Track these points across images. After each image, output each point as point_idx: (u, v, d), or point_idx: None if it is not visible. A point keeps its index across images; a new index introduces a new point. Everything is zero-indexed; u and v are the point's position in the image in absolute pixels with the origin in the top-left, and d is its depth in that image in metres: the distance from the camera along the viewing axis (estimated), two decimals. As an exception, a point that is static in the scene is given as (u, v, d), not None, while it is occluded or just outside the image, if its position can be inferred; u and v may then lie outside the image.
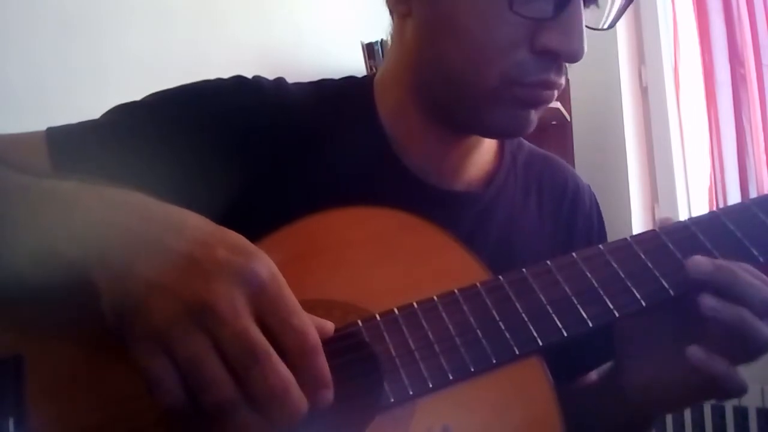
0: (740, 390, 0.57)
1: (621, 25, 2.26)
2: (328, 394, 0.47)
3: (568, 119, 2.36)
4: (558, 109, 2.18)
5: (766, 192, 2.05)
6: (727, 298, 0.55)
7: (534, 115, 0.67)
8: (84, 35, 1.84)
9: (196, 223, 0.49)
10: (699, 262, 0.57)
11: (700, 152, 2.27)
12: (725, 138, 2.16)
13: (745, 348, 0.56)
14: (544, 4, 0.61)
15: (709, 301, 0.56)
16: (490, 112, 0.66)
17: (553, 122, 2.30)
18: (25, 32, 1.72)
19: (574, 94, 2.32)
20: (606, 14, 0.67)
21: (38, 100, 1.69)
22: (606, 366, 0.72)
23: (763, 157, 2.09)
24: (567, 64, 0.65)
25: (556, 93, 0.66)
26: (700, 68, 2.24)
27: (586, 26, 0.62)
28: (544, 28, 0.61)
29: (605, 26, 0.67)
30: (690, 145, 2.31)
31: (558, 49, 0.61)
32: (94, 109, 0.71)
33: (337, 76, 0.79)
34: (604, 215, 0.88)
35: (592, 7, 0.64)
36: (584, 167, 2.25)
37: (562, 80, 0.65)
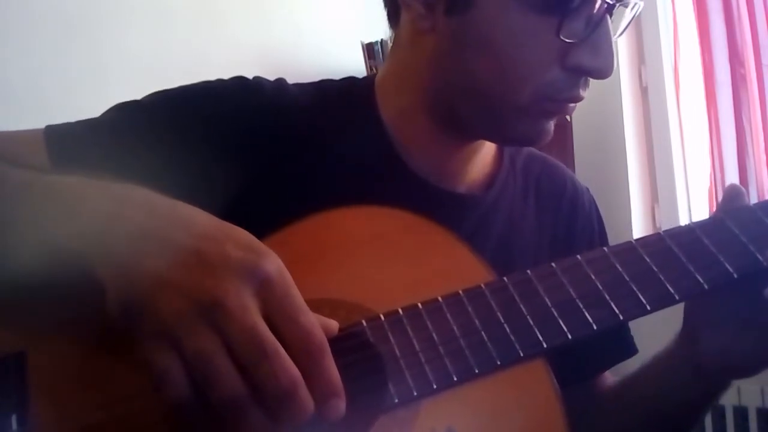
0: None
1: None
2: (338, 401, 0.47)
3: (568, 119, 2.35)
4: (558, 109, 2.17)
5: (766, 191, 2.05)
6: None
7: (552, 125, 0.69)
8: (84, 35, 1.84)
9: (204, 219, 0.49)
10: None
11: (700, 152, 2.27)
12: (725, 138, 2.16)
13: None
14: (578, 25, 0.62)
15: None
16: (516, 125, 0.68)
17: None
18: (25, 32, 1.72)
19: (574, 94, 2.32)
20: (618, 26, 0.69)
21: (38, 100, 1.69)
22: (670, 344, 0.71)
23: (763, 157, 2.09)
24: None
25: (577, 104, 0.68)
26: (700, 68, 2.24)
27: None
28: (576, 47, 0.63)
29: (615, 37, 0.69)
30: (690, 145, 2.30)
31: (590, 67, 0.63)
32: (94, 109, 0.71)
33: (337, 76, 0.79)
34: (604, 215, 0.88)
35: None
36: (584, 167, 2.25)
37: (586, 92, 0.67)
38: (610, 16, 0.64)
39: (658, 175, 2.33)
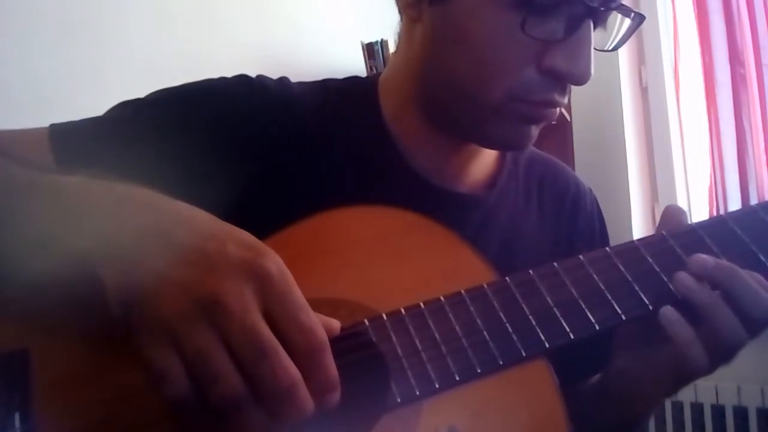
0: (699, 366, 0.56)
1: (621, 25, 2.26)
2: (335, 396, 0.47)
3: (568, 119, 2.36)
4: (558, 109, 2.18)
5: (766, 191, 2.05)
6: (725, 298, 0.56)
7: (535, 131, 0.67)
8: (84, 35, 1.84)
9: (205, 219, 0.49)
10: (700, 258, 0.57)
11: (700, 152, 2.27)
12: (725, 138, 2.16)
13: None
14: (555, 26, 0.61)
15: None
16: (491, 125, 0.66)
17: (553, 122, 2.29)
18: (25, 32, 1.72)
19: (574, 94, 2.32)
20: (612, 37, 0.67)
21: (38, 100, 1.69)
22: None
23: (763, 157, 2.09)
24: None
25: (558, 111, 0.67)
26: (700, 68, 2.24)
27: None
28: (552, 49, 0.61)
29: (610, 48, 0.67)
30: (690, 145, 2.31)
31: (565, 71, 0.62)
32: (94, 109, 0.70)
33: (337, 76, 0.79)
34: (604, 215, 0.88)
35: (599, 28, 0.64)
36: (584, 167, 2.25)
37: (566, 99, 0.66)
38: (595, 23, 0.62)
39: (658, 175, 2.33)
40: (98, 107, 0.71)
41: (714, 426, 2.02)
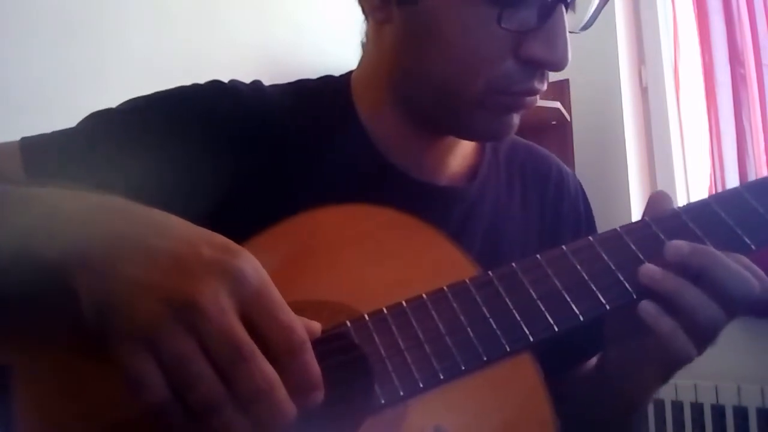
0: (687, 354, 0.56)
1: (621, 25, 2.27)
2: (318, 395, 0.47)
3: (568, 119, 2.36)
4: (558, 109, 2.18)
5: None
6: (705, 284, 0.55)
7: (516, 119, 0.67)
8: (84, 35, 1.84)
9: (179, 224, 0.48)
10: (676, 245, 0.57)
11: (700, 152, 2.27)
12: (725, 138, 2.16)
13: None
14: (528, 15, 0.61)
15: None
16: (473, 118, 0.66)
17: (553, 122, 2.29)
18: (25, 32, 1.72)
19: (574, 94, 2.32)
20: (582, 17, 0.68)
21: (38, 100, 1.69)
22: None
23: (763, 157, 2.09)
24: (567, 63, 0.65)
25: (538, 98, 0.67)
26: (700, 68, 2.24)
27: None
28: (528, 38, 0.61)
29: (580, 28, 0.67)
30: (690, 145, 2.31)
31: (543, 59, 0.62)
32: (93, 109, 0.71)
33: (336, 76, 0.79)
34: (603, 215, 0.87)
35: (569, 12, 0.64)
36: (584, 167, 2.25)
37: (545, 86, 0.66)
38: (566, 8, 0.63)
39: (658, 175, 2.33)
40: (98, 107, 0.71)
41: (714, 426, 2.01)
